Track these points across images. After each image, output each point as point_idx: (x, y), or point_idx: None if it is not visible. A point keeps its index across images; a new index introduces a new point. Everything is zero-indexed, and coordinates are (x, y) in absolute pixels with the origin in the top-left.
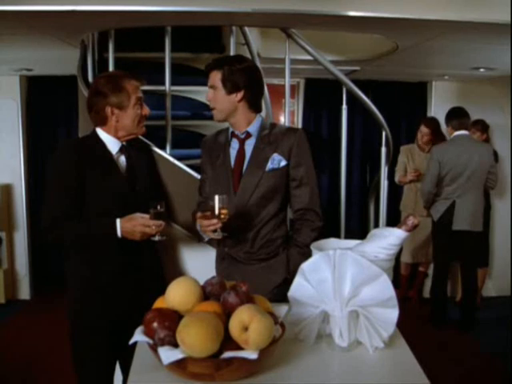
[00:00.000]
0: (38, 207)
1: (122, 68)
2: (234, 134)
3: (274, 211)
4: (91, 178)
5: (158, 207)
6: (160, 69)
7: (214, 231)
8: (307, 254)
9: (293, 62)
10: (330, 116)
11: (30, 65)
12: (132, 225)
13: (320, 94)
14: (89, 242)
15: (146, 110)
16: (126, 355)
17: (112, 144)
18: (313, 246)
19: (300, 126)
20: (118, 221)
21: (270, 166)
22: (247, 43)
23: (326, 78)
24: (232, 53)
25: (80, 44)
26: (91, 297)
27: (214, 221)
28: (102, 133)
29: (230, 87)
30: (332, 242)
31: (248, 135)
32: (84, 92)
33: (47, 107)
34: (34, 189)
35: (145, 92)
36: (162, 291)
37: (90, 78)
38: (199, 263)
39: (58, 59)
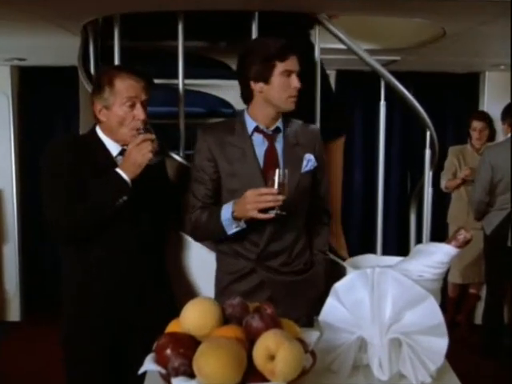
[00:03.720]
0: (31, 215)
1: (129, 58)
2: (257, 129)
3: (306, 214)
4: (90, 180)
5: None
6: (172, 59)
7: (267, 211)
8: (328, 261)
9: (323, 51)
10: (364, 113)
11: (23, 54)
12: (126, 158)
13: (353, 87)
14: (103, 211)
15: (139, 114)
16: (126, 377)
17: (111, 146)
18: (347, 264)
19: None
20: (117, 169)
21: (305, 167)
22: None
23: (360, 69)
24: None
25: (81, 31)
26: (87, 305)
27: (280, 197)
28: (100, 132)
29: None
30: (369, 258)
31: (277, 131)
32: (86, 85)
33: (43, 102)
34: (27, 195)
35: (154, 86)
36: (167, 306)
37: (93, 70)
38: (212, 278)
39: (55, 48)
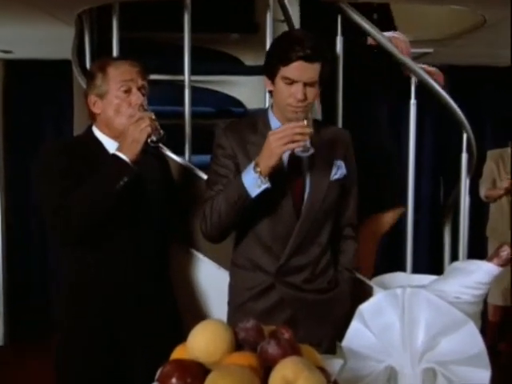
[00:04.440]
0: (17, 227)
1: (129, 52)
2: None
3: (332, 229)
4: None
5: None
6: (177, 53)
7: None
8: (354, 281)
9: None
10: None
11: (8, 45)
12: (123, 138)
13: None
14: (103, 198)
15: (136, 99)
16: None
17: (109, 145)
18: (374, 283)
19: None
20: (114, 152)
21: (334, 174)
22: (288, 20)
23: None
24: (268, 33)
25: (76, 20)
26: (85, 305)
27: (308, 129)
28: (96, 131)
29: (320, 83)
30: (399, 277)
31: None
32: (80, 81)
33: (31, 100)
34: (12, 203)
35: (157, 82)
36: (169, 311)
37: (88, 64)
38: (222, 297)
39: (46, 39)
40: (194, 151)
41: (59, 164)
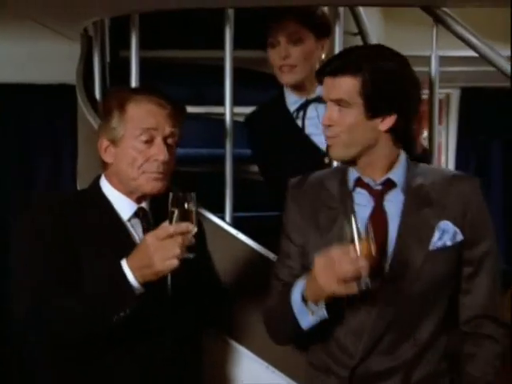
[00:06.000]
0: None
1: (152, 76)
2: (360, 182)
3: (440, 321)
4: (88, 258)
5: (183, 201)
6: (214, 77)
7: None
8: None
9: (442, 61)
10: (505, 147)
11: None
12: (140, 253)
13: (487, 112)
14: (91, 320)
15: (159, 153)
16: None
17: (121, 203)
18: None
19: (453, 167)
20: (122, 262)
21: (437, 241)
22: (362, 33)
23: (497, 86)
24: (337, 49)
25: (82, 36)
26: None
27: (363, 262)
28: (105, 184)
29: (376, 106)
30: None
31: (389, 185)
32: (86, 113)
33: (22, 133)
34: None
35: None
36: None
37: (98, 92)
38: None
39: (42, 58)
40: (236, 208)
41: (44, 239)
